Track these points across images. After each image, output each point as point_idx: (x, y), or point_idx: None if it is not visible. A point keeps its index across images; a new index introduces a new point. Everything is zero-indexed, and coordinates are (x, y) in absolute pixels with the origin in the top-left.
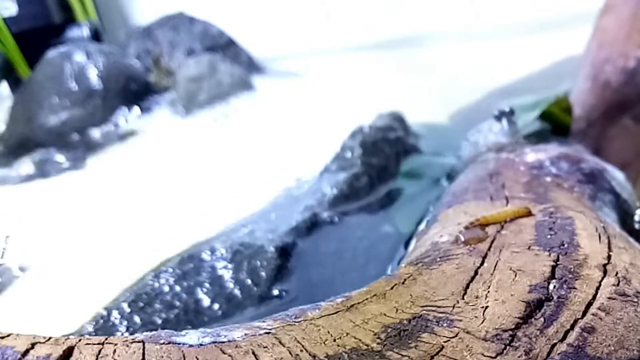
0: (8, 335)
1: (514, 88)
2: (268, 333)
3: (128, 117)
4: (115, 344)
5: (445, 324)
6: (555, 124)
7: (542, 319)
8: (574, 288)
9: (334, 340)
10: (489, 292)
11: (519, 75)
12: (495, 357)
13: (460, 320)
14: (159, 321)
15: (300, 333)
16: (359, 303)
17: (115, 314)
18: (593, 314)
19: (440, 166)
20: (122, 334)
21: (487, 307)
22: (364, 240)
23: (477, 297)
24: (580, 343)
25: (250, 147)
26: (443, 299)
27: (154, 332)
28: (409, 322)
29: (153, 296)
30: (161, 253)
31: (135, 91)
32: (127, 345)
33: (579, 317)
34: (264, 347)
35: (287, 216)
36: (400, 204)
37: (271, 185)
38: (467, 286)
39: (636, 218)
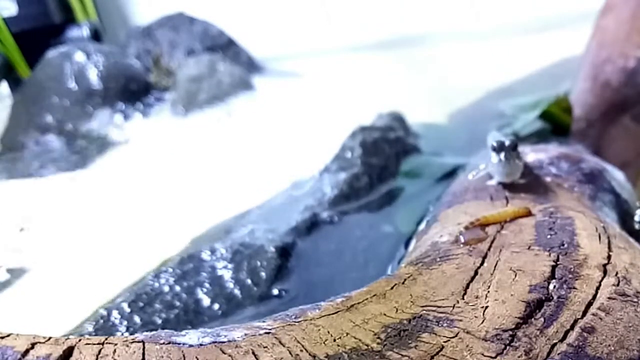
0: (8, 335)
1: (514, 88)
2: (268, 333)
3: (128, 117)
4: (115, 344)
5: (445, 324)
6: (555, 124)
7: (542, 319)
8: (574, 288)
9: (334, 340)
10: (489, 292)
11: (519, 75)
12: (495, 357)
13: (460, 320)
14: (159, 321)
15: (300, 333)
16: (359, 303)
17: (115, 314)
18: (593, 314)
19: (440, 166)
20: (122, 334)
21: (487, 307)
22: (364, 240)
23: (477, 297)
24: (580, 343)
25: (250, 147)
26: (443, 299)
27: (154, 332)
28: (409, 322)
29: (153, 296)
30: (161, 253)
31: (135, 91)
32: (127, 345)
33: (579, 317)
34: (264, 347)
35: (287, 216)
36: (400, 204)
37: (271, 185)
38: (467, 286)
39: (636, 218)
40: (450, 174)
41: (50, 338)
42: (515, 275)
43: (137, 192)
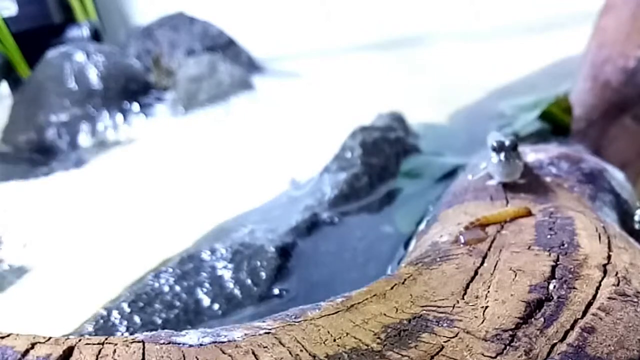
0: (8, 335)
1: (514, 88)
2: (268, 333)
3: (128, 117)
4: (115, 344)
5: (445, 324)
6: (555, 124)
7: (542, 319)
8: (574, 288)
9: (334, 340)
10: (489, 292)
11: (519, 75)
12: (495, 357)
13: (460, 320)
14: (159, 321)
15: (300, 333)
16: (359, 303)
17: (115, 314)
18: (593, 314)
19: (440, 166)
20: (122, 334)
21: (487, 307)
22: (364, 240)
23: (477, 297)
24: (580, 343)
25: (250, 147)
26: (443, 299)
27: (154, 332)
28: (409, 322)
29: (153, 296)
30: (161, 253)
31: (135, 91)
32: (127, 345)
33: (579, 317)
34: (264, 347)
35: (287, 216)
36: (400, 204)
37: (271, 185)
38: (467, 286)
39: (636, 218)
40: (450, 174)
41: (50, 338)
42: (515, 275)
43: (137, 192)
